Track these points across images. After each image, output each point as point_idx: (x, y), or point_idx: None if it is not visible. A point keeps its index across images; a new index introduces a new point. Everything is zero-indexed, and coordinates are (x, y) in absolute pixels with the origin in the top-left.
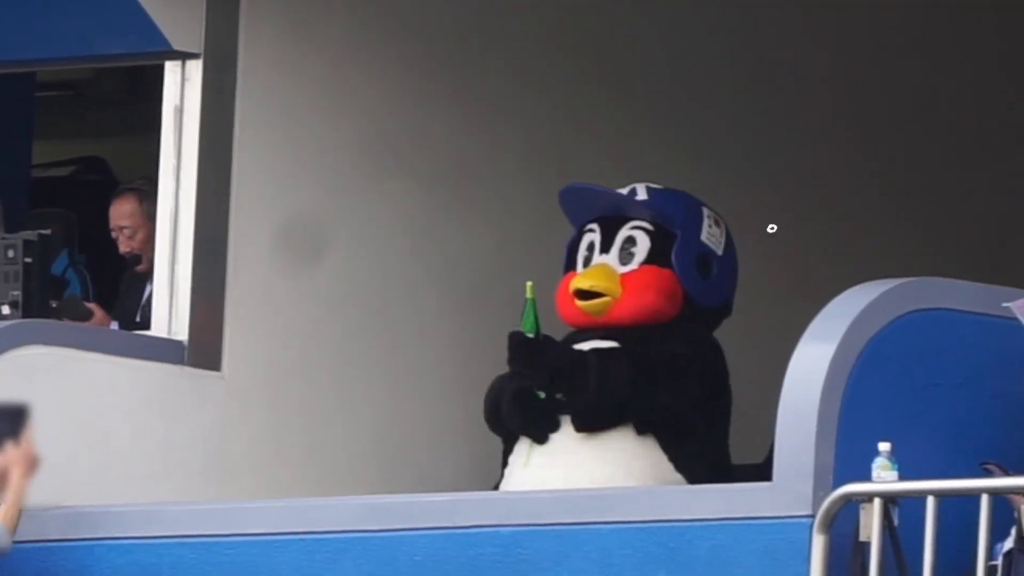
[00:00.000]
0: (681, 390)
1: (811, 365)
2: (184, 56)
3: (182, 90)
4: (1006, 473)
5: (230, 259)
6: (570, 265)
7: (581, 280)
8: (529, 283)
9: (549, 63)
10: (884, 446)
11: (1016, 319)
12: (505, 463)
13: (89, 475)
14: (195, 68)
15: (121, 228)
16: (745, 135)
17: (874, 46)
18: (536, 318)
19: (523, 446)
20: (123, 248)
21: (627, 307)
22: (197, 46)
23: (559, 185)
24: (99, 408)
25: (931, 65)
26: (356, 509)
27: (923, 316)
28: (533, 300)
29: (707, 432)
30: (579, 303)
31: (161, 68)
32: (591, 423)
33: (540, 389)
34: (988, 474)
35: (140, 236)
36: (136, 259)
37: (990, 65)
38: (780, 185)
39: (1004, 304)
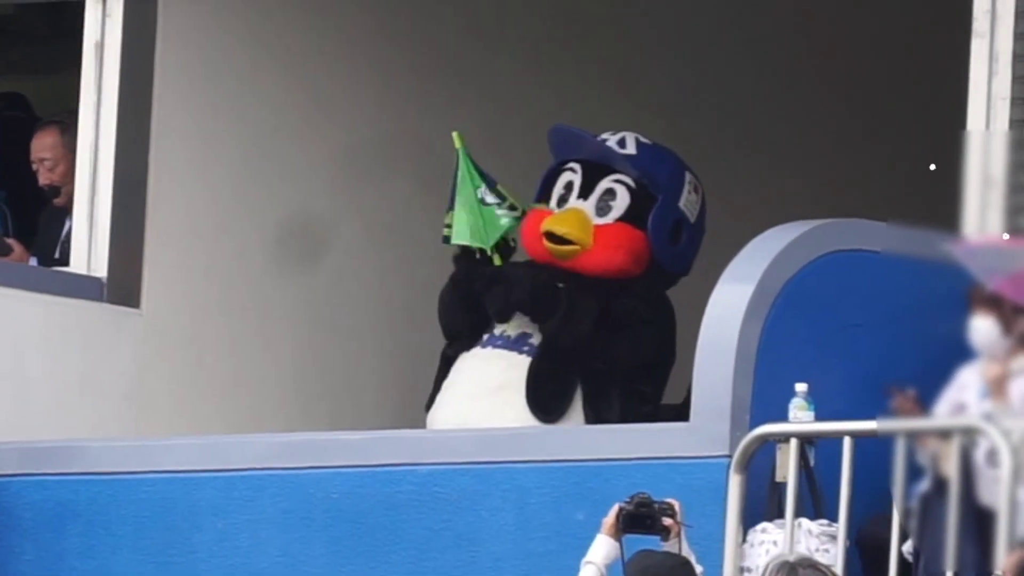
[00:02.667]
0: (638, 346)
1: (728, 306)
2: None
3: (103, 26)
4: (911, 399)
5: (150, 196)
6: (543, 196)
7: (556, 224)
8: (455, 133)
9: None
10: (801, 387)
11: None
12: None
13: (6, 411)
14: (116, 4)
15: (42, 160)
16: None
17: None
18: (479, 170)
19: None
20: (43, 180)
21: (595, 260)
22: None
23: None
24: (17, 344)
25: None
26: (273, 446)
27: (842, 257)
28: (465, 151)
29: (652, 390)
30: (548, 245)
31: (82, 4)
32: (547, 364)
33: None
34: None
35: (60, 169)
36: (55, 192)
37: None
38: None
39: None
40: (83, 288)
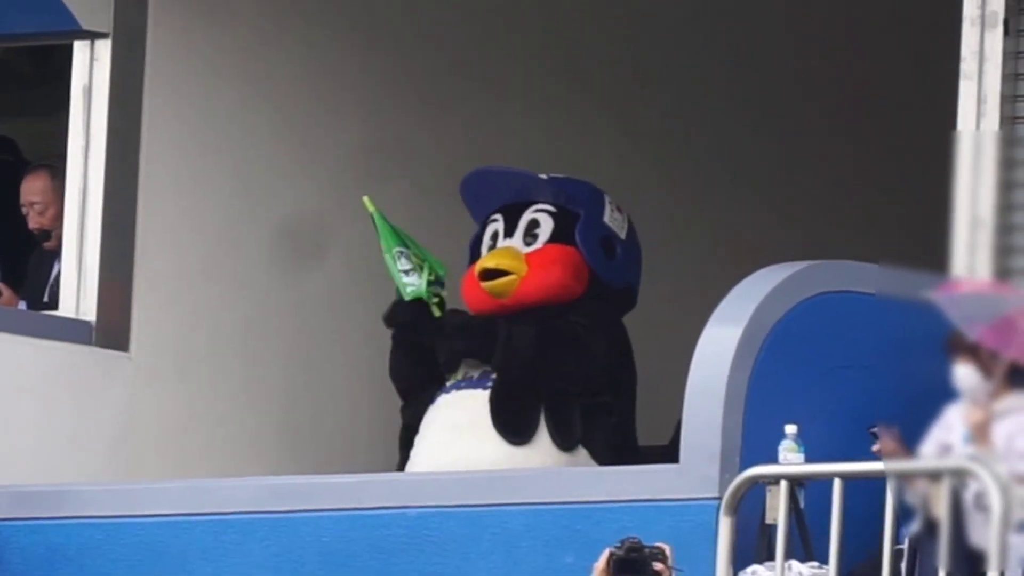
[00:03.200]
0: (586, 356)
1: (718, 347)
2: (93, 36)
3: (91, 70)
4: (895, 440)
5: (138, 240)
6: (475, 256)
7: (486, 260)
8: (365, 197)
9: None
10: (790, 428)
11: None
12: (407, 442)
13: None
14: (104, 48)
15: (32, 203)
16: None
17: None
18: (394, 230)
19: (434, 415)
20: (33, 224)
21: (533, 283)
22: (106, 26)
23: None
24: (6, 388)
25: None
26: (263, 490)
27: (830, 298)
28: (379, 212)
29: (615, 401)
30: (484, 284)
31: (70, 48)
32: (504, 390)
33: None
34: (876, 439)
35: (51, 213)
36: (45, 235)
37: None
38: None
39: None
40: (72, 332)
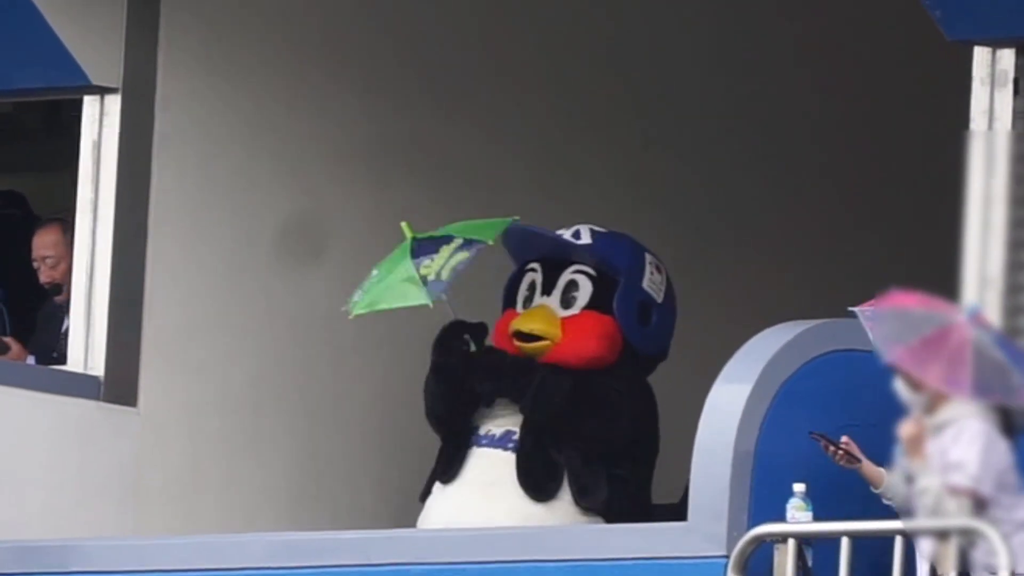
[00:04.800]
0: (613, 422)
1: (726, 406)
2: (103, 91)
3: (100, 125)
4: (831, 443)
5: (147, 295)
6: (509, 302)
7: (522, 322)
8: (404, 223)
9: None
10: (799, 487)
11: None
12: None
13: (3, 510)
14: (113, 103)
15: (44, 258)
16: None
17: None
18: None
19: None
20: (44, 278)
21: (567, 352)
22: (115, 81)
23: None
24: (13, 442)
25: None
26: (271, 546)
27: (838, 357)
28: (415, 237)
29: (633, 469)
30: (519, 344)
31: (79, 103)
32: (531, 438)
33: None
34: (817, 442)
35: (62, 267)
36: (56, 289)
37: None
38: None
39: (850, 308)
40: (80, 387)
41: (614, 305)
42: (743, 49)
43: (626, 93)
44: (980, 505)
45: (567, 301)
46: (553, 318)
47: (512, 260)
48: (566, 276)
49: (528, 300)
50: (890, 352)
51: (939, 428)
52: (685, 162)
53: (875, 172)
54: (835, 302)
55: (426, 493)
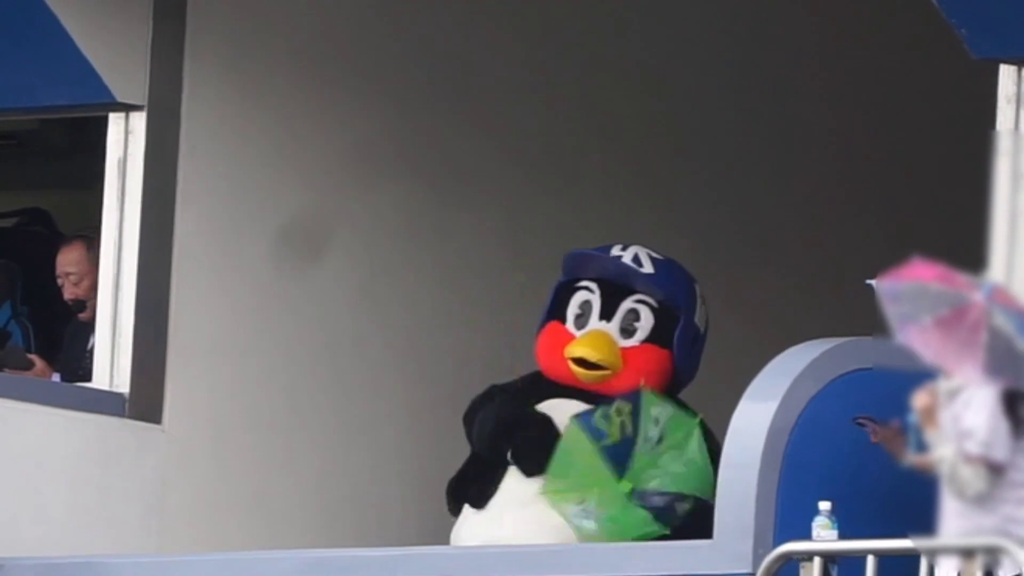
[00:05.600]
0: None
1: (752, 423)
2: (128, 108)
3: (125, 142)
4: (878, 426)
5: (172, 312)
6: (555, 315)
7: (587, 351)
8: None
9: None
10: (824, 505)
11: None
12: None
13: (27, 526)
14: (139, 120)
15: (68, 275)
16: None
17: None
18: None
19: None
20: (68, 295)
21: (626, 383)
22: (141, 98)
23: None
24: (38, 460)
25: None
26: (297, 563)
27: (863, 375)
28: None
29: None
30: (577, 371)
31: (105, 120)
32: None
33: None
34: (862, 428)
35: (86, 284)
36: (80, 306)
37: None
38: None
39: (868, 281)
40: (105, 404)
41: (675, 344)
42: (767, 66)
43: (651, 109)
44: (996, 470)
45: (627, 330)
46: (615, 347)
47: (563, 273)
48: (627, 304)
49: (580, 319)
50: (901, 331)
51: (953, 393)
52: (707, 178)
53: (904, 195)
54: (861, 321)
55: (456, 505)
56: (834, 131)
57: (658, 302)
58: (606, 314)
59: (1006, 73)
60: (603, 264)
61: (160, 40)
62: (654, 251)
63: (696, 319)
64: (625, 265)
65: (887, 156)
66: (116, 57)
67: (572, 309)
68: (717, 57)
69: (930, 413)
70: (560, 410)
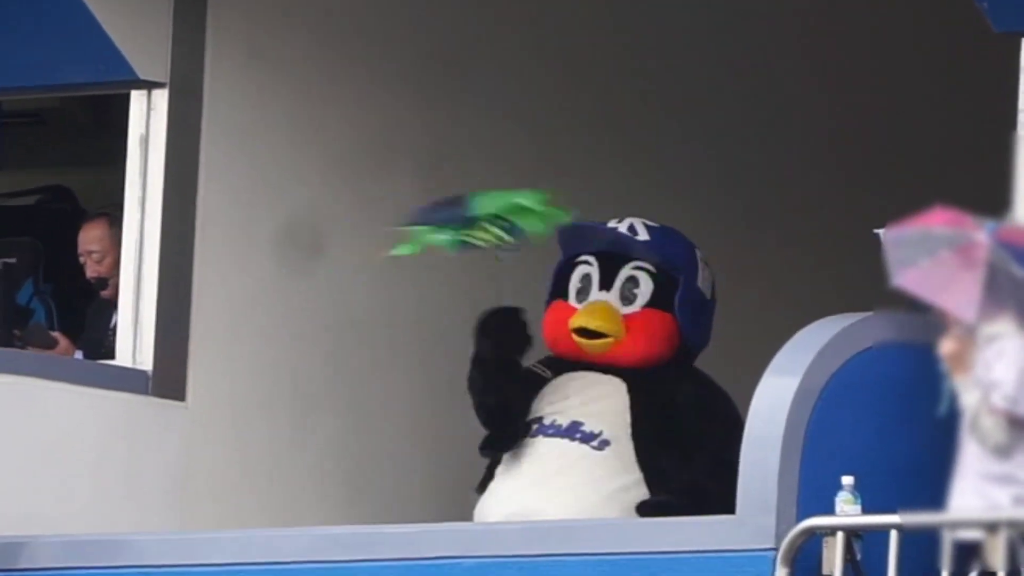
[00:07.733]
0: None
1: (775, 398)
2: (150, 85)
3: (148, 119)
4: None
5: (195, 289)
6: (558, 293)
7: (587, 320)
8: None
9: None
10: (847, 480)
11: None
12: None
13: (50, 504)
14: (161, 97)
15: (90, 252)
16: (724, 160)
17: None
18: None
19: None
20: (90, 272)
21: (630, 350)
22: (163, 75)
23: None
24: (62, 438)
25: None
26: (320, 539)
27: (886, 349)
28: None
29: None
30: (580, 341)
31: (127, 97)
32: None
33: None
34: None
35: (108, 261)
36: (102, 284)
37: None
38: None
39: (875, 230)
40: (128, 381)
41: (675, 307)
42: (773, 48)
43: (656, 88)
44: (1018, 425)
45: (627, 297)
46: (616, 315)
47: (561, 251)
48: (626, 272)
49: (582, 293)
50: (899, 275)
51: (989, 340)
52: (726, 154)
53: (924, 169)
54: (883, 295)
55: (484, 483)
56: (859, 102)
57: (656, 267)
58: (605, 284)
59: None
60: (599, 236)
61: (182, 17)
62: (652, 221)
63: (699, 283)
64: (621, 234)
65: (914, 131)
66: (138, 34)
67: (573, 284)
68: (719, 30)
69: (958, 359)
70: (574, 381)
